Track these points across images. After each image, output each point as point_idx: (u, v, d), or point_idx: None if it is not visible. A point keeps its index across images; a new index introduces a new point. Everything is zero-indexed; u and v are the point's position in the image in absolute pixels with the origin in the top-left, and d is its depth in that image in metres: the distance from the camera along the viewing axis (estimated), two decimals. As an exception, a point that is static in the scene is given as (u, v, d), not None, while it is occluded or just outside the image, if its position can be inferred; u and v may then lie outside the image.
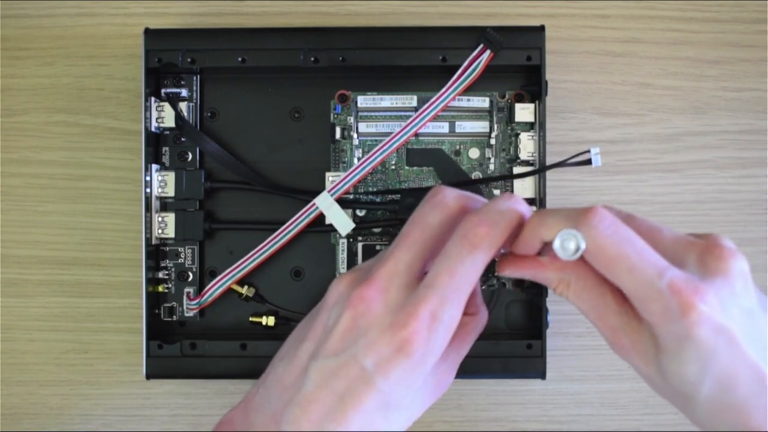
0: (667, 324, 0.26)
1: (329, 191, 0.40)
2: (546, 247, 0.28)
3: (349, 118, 0.42)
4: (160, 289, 0.42)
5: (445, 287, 0.27)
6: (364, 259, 0.42)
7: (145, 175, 0.40)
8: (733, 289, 0.26)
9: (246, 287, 0.41)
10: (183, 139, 0.42)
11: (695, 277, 0.26)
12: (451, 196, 0.29)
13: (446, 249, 0.28)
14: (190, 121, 0.41)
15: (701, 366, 0.26)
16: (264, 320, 0.41)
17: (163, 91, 0.42)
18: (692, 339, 0.25)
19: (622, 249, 0.26)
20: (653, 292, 0.25)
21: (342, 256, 0.42)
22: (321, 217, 0.41)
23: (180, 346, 0.40)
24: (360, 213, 0.42)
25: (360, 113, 0.42)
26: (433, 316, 0.27)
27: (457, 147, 0.42)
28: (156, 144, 0.42)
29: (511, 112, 0.41)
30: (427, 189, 0.40)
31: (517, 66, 0.40)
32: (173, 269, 0.42)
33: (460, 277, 0.27)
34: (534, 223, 0.27)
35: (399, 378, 0.27)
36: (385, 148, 0.40)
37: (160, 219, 0.41)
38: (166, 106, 0.41)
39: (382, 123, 0.42)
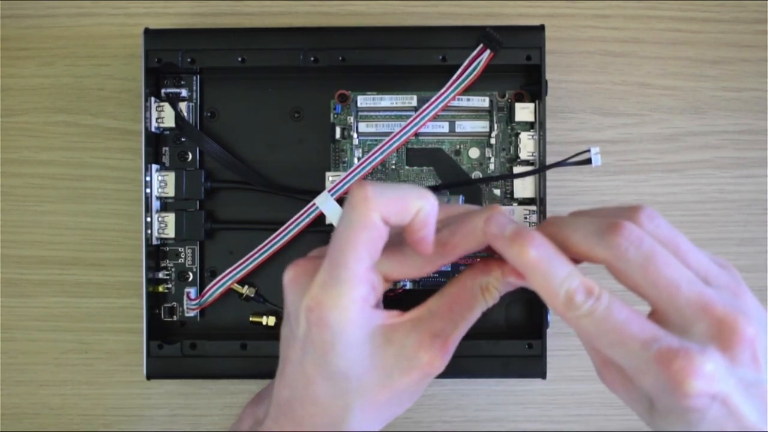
0: (659, 394, 0.25)
1: (329, 191, 0.40)
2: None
3: (349, 117, 0.42)
4: (160, 289, 0.42)
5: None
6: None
7: (145, 175, 0.40)
8: (736, 360, 0.24)
9: (246, 287, 0.41)
10: (183, 139, 0.42)
11: (693, 345, 0.24)
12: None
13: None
14: (190, 121, 0.41)
15: (693, 425, 0.25)
16: (264, 320, 0.41)
17: (163, 91, 0.42)
18: (685, 408, 0.24)
19: (601, 327, 0.25)
20: (642, 364, 0.25)
21: (342, 256, 0.42)
22: (321, 217, 0.41)
23: (180, 346, 0.40)
24: (360, 213, 0.42)
25: (360, 113, 0.42)
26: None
27: (457, 147, 0.42)
28: (156, 144, 0.42)
29: (511, 111, 0.41)
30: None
31: (517, 66, 0.40)
32: (173, 269, 0.42)
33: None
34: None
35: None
36: (385, 147, 0.40)
37: (160, 219, 0.41)
38: (166, 106, 0.41)
39: (382, 123, 0.42)
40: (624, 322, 0.25)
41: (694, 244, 0.27)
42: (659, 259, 0.25)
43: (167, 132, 0.42)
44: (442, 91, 0.40)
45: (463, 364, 0.40)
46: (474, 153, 0.42)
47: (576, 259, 0.27)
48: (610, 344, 0.25)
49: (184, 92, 0.42)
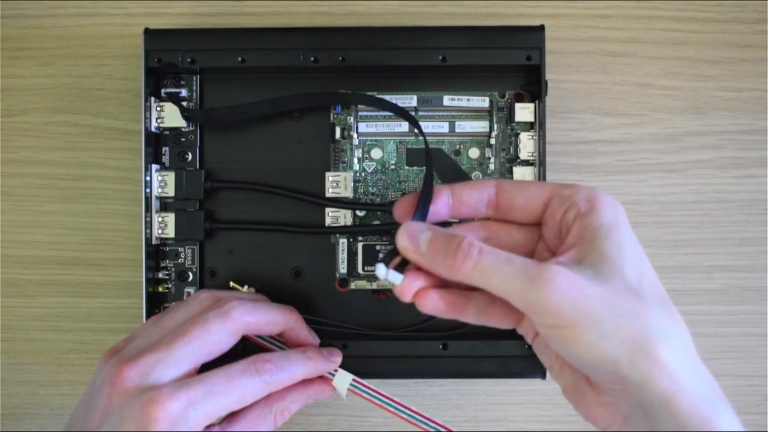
0: (579, 197, 0.29)
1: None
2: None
3: (349, 118, 0.42)
4: (160, 289, 0.42)
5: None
6: (364, 258, 0.42)
7: (145, 175, 0.40)
8: None
9: (246, 287, 0.41)
10: (183, 139, 0.42)
11: None
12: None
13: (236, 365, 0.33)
14: (191, 121, 0.41)
15: (621, 233, 0.28)
16: (264, 320, 0.41)
17: (163, 91, 0.42)
18: (600, 204, 0.29)
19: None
20: (563, 187, 0.30)
21: (342, 256, 0.42)
22: (321, 217, 0.41)
23: (180, 346, 0.40)
24: (360, 213, 0.42)
25: (360, 113, 0.42)
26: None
27: (457, 147, 0.42)
28: (156, 144, 0.42)
29: (511, 111, 0.41)
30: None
31: (517, 66, 0.40)
32: (173, 269, 0.42)
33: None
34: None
35: None
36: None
37: (160, 219, 0.41)
38: (166, 106, 0.41)
39: (382, 123, 0.42)
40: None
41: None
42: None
43: (167, 132, 0.42)
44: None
45: (463, 365, 0.40)
46: (474, 153, 0.42)
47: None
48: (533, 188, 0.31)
49: (184, 92, 0.42)
